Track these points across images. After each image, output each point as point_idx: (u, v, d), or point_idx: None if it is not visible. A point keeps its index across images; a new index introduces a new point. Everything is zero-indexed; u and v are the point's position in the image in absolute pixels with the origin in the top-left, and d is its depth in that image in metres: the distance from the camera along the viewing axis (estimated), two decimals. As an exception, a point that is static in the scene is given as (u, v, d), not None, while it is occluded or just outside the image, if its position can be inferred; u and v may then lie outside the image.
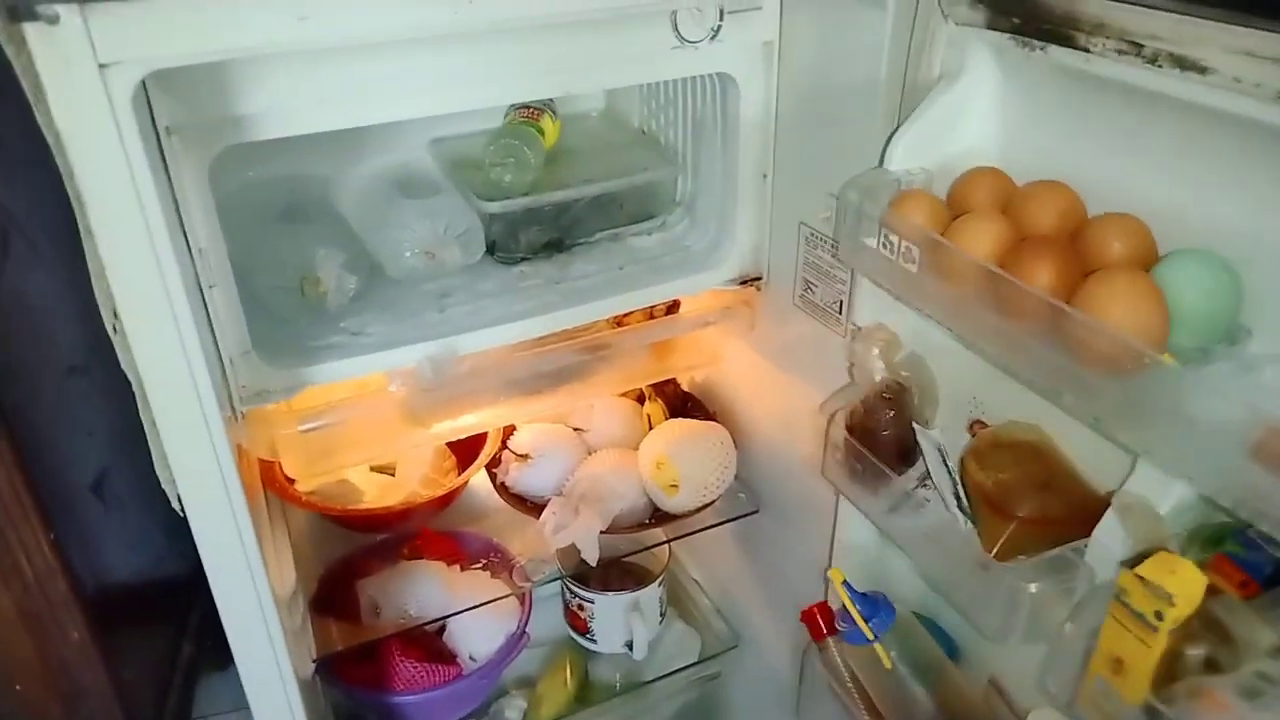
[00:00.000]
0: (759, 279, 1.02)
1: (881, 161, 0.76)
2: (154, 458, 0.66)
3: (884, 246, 0.70)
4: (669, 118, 1.08)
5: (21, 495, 0.99)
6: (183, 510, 0.68)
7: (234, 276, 0.80)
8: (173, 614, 1.36)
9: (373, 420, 0.92)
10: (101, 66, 0.55)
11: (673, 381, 1.24)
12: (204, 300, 0.76)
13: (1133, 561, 0.59)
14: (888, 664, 0.80)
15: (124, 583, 1.19)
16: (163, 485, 0.67)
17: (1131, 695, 0.58)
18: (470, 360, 0.91)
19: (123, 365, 0.63)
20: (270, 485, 1.06)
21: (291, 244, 0.91)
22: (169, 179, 0.71)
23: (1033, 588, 0.67)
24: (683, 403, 1.23)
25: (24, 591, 1.05)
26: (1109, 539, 0.63)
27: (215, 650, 1.40)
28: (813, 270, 0.93)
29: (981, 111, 0.74)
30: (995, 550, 0.71)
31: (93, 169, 0.57)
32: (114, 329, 0.62)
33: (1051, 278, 0.60)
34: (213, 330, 0.78)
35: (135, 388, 0.63)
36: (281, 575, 0.99)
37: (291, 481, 1.08)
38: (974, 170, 0.71)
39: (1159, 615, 0.56)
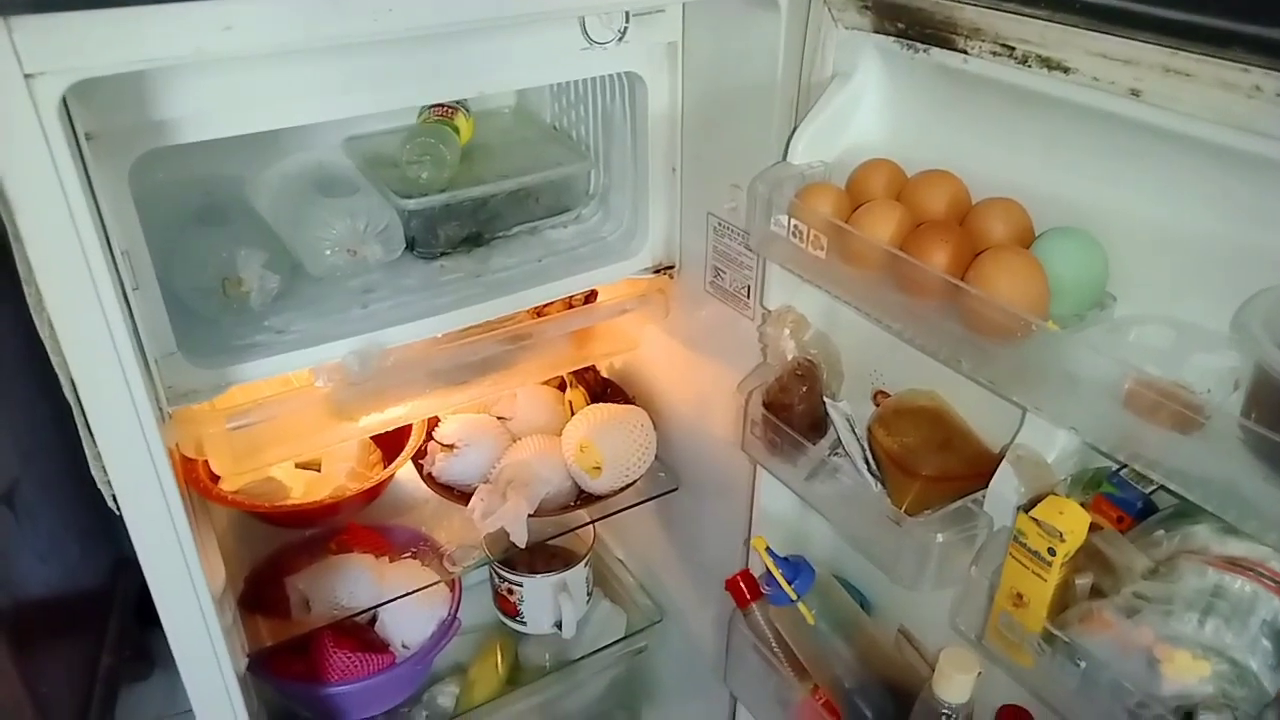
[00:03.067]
0: (671, 267, 1.07)
1: (785, 156, 0.82)
2: (89, 458, 0.67)
3: (794, 235, 0.75)
4: (579, 114, 1.11)
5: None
6: (118, 509, 0.69)
7: (156, 278, 0.80)
8: (89, 625, 1.33)
9: (299, 416, 0.93)
10: (27, 76, 0.55)
11: (593, 369, 1.28)
12: (128, 302, 0.76)
13: (1027, 506, 0.66)
14: (811, 620, 0.86)
15: (38, 596, 1.16)
16: (98, 485, 0.68)
17: (1032, 624, 0.65)
18: (395, 354, 0.93)
19: (55, 367, 0.63)
20: (193, 485, 1.05)
21: (211, 245, 0.91)
22: (89, 183, 0.71)
23: (940, 538, 0.73)
24: (603, 388, 1.27)
25: (-67, 611, 1.02)
26: (1004, 488, 0.70)
27: (135, 660, 1.37)
28: (721, 258, 0.98)
29: (872, 107, 0.81)
30: (905, 507, 0.77)
31: (21, 175, 0.58)
32: (46, 332, 0.62)
33: (947, 258, 0.67)
34: (137, 332, 0.78)
35: (67, 389, 0.64)
36: (211, 573, 0.98)
37: (216, 480, 1.07)
38: (870, 162, 0.77)
39: (1052, 551, 0.63)
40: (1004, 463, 0.69)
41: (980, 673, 0.73)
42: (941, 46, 0.71)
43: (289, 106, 0.80)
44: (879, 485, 0.80)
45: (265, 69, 0.77)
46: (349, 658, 1.10)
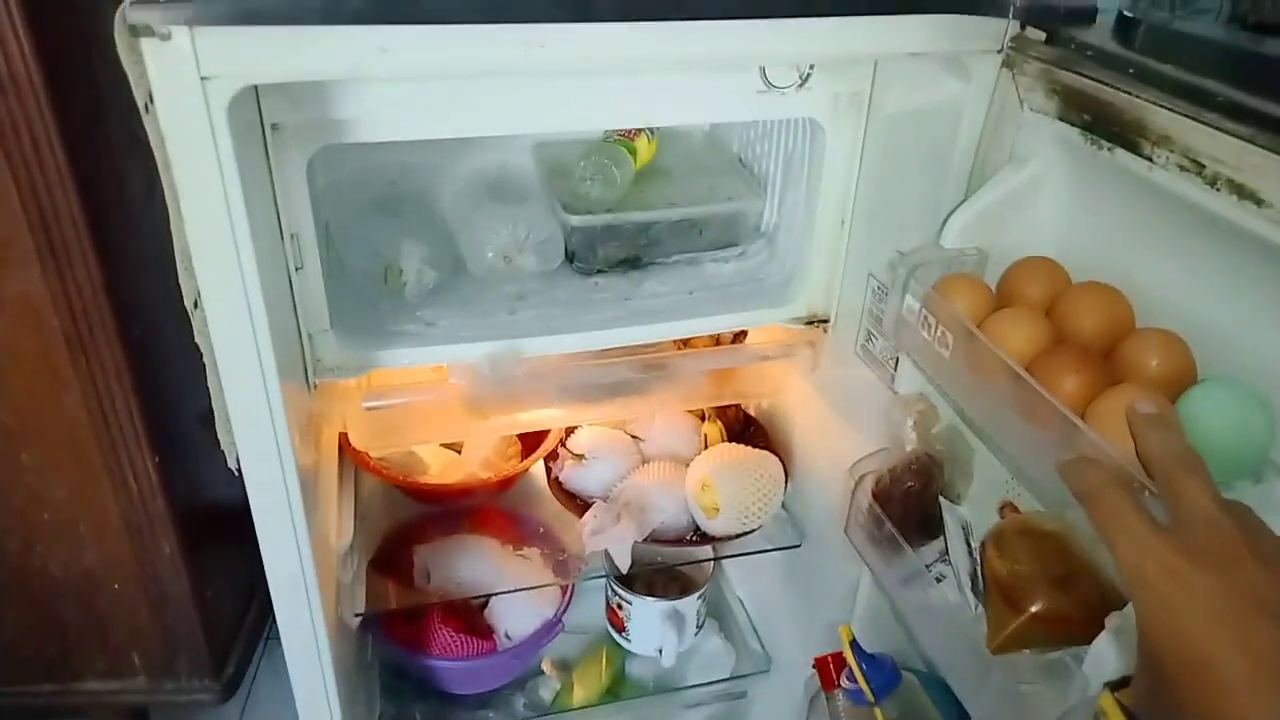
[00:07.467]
0: (825, 321, 1.03)
1: (939, 235, 0.76)
2: (217, 422, 0.73)
3: (923, 326, 0.70)
4: (764, 149, 1.09)
5: (135, 418, 1.09)
6: (239, 471, 0.75)
7: (327, 258, 0.85)
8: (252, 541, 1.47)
9: (434, 407, 0.98)
10: (203, 79, 0.61)
11: (737, 405, 1.25)
12: (290, 281, 0.83)
13: (1118, 684, 0.58)
14: (879, 728, 0.80)
15: (217, 509, 1.29)
16: (223, 447, 0.74)
17: (1090, 819, 0.57)
18: (530, 363, 0.95)
19: (196, 338, 0.69)
20: (346, 450, 1.12)
21: (382, 233, 0.97)
22: (270, 169, 0.78)
23: (1024, 689, 0.66)
24: (745, 426, 1.24)
25: (128, 504, 1.16)
26: (1105, 654, 0.62)
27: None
28: (875, 322, 0.93)
29: (1047, 200, 0.73)
30: (998, 643, 0.70)
31: (187, 165, 0.63)
32: (194, 304, 0.68)
33: (1075, 389, 0.59)
34: (295, 308, 0.85)
35: (207, 359, 0.70)
36: (340, 530, 1.06)
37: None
38: (1027, 259, 0.70)
39: (1126, 747, 0.54)
40: (1105, 631, 0.61)
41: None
42: (1126, 148, 0.63)
43: (460, 119, 0.83)
44: (979, 609, 0.72)
45: (441, 82, 0.80)
46: (453, 637, 1.16)
